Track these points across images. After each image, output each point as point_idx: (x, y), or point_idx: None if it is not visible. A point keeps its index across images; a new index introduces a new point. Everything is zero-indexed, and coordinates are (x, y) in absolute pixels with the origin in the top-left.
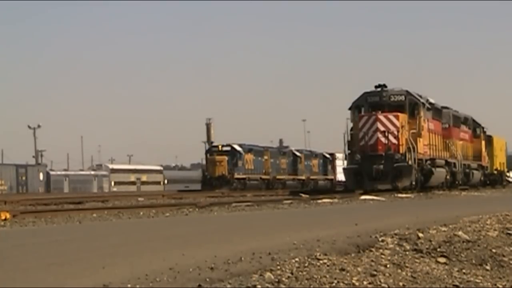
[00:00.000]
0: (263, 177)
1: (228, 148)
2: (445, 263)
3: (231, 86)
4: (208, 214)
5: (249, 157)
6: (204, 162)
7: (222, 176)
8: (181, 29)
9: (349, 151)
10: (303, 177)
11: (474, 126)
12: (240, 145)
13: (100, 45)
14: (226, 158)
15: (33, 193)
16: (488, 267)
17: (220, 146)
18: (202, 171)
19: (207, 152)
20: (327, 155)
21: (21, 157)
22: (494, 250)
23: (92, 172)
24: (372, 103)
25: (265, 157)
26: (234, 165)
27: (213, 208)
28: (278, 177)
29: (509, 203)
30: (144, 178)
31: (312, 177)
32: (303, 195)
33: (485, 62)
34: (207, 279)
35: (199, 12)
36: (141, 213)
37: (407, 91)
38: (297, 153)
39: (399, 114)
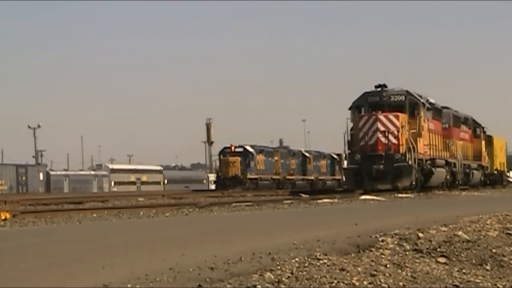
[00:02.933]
0: (274, 177)
1: (240, 149)
2: (445, 263)
3: (231, 86)
4: (208, 214)
5: (260, 158)
6: (204, 162)
7: (235, 177)
8: (181, 29)
9: (349, 151)
10: (312, 177)
11: (474, 126)
12: (252, 146)
13: (100, 45)
14: (239, 159)
15: (33, 193)
16: (488, 267)
17: (233, 147)
18: (216, 172)
19: (220, 153)
20: (335, 156)
21: (21, 157)
22: (494, 250)
23: (92, 172)
24: (372, 103)
25: (276, 158)
26: (247, 165)
27: (213, 208)
28: (288, 177)
29: (509, 203)
30: (144, 178)
31: (320, 177)
32: (303, 195)
33: (485, 62)
34: (207, 279)
35: (199, 12)
36: (141, 213)
37: (407, 91)
38: (306, 154)
39: (399, 114)
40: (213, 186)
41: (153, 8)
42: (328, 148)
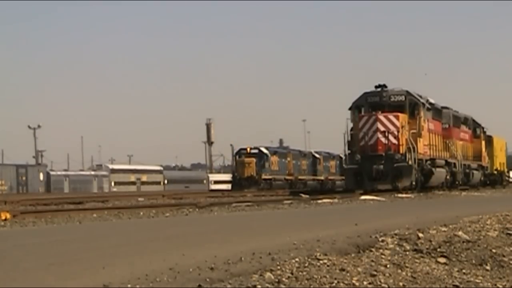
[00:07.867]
0: (287, 177)
1: (256, 151)
2: (445, 263)
3: (231, 86)
4: (208, 214)
5: (274, 159)
6: (204, 162)
7: (250, 177)
8: (181, 29)
9: (349, 151)
10: (322, 178)
11: (474, 126)
12: (266, 148)
13: (100, 45)
14: (254, 160)
15: (33, 193)
16: (488, 267)
17: (248, 149)
18: (232, 172)
19: (236, 154)
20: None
21: (21, 157)
22: (494, 250)
23: (92, 172)
24: (372, 103)
25: (288, 159)
26: (262, 166)
27: (213, 208)
28: (299, 177)
29: (509, 203)
30: (144, 178)
31: (330, 177)
32: (303, 195)
33: (485, 62)
34: (207, 279)
35: (199, 12)
36: (141, 213)
37: (407, 91)
38: (316, 155)
39: (399, 114)
40: (213, 187)
41: (153, 7)
42: (328, 148)
